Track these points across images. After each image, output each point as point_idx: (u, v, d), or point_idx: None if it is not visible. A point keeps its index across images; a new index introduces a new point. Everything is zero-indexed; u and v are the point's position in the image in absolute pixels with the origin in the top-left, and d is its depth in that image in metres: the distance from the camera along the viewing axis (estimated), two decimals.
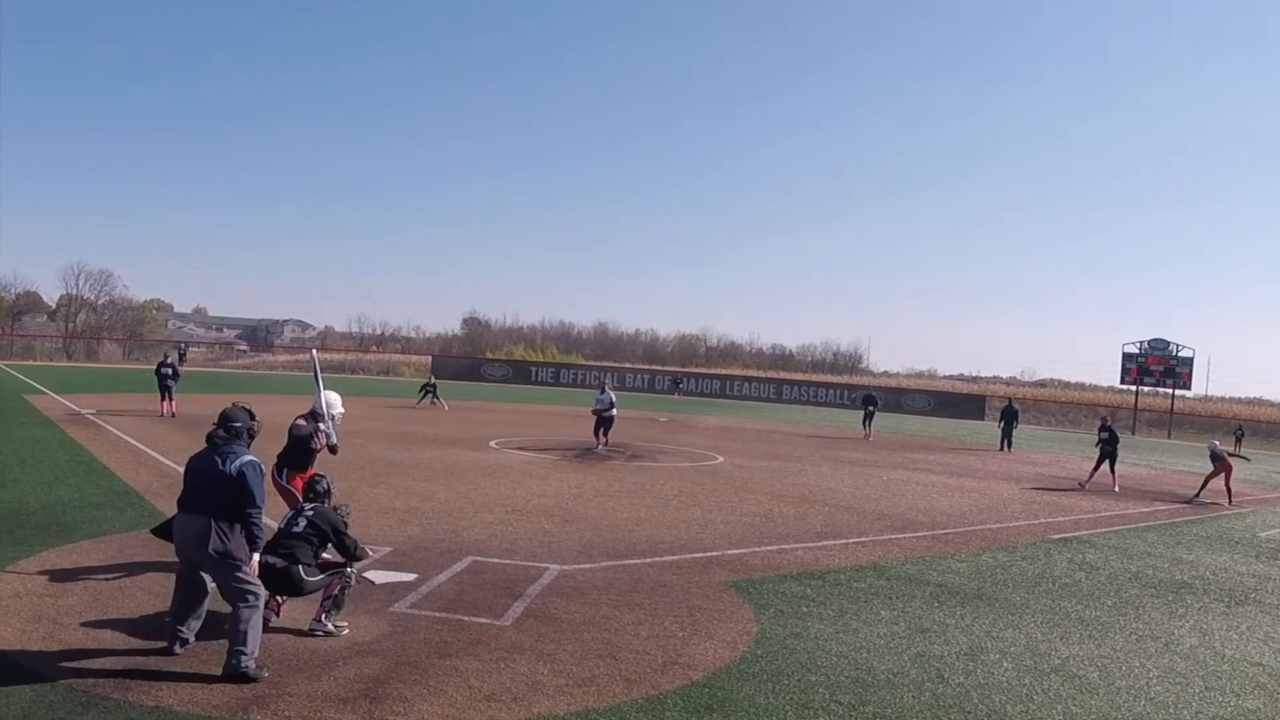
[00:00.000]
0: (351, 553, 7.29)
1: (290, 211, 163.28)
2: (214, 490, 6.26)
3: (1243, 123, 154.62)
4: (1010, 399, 40.82)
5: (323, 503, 7.51)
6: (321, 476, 7.82)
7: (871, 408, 34.69)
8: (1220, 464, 20.74)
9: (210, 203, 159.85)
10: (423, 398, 35.82)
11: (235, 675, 5.96)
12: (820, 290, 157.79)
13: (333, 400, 9.82)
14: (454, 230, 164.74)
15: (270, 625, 7.06)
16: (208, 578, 6.50)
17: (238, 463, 6.33)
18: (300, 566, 6.91)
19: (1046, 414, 67.64)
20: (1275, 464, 36.51)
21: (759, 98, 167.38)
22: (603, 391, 23.16)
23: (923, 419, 54.35)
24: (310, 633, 6.98)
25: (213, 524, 6.19)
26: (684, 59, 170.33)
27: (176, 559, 6.52)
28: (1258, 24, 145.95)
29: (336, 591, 7.13)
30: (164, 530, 6.42)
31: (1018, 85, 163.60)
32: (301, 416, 9.46)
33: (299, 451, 9.29)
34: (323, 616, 7.07)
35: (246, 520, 6.29)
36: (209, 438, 6.52)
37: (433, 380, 38.20)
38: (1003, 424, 33.21)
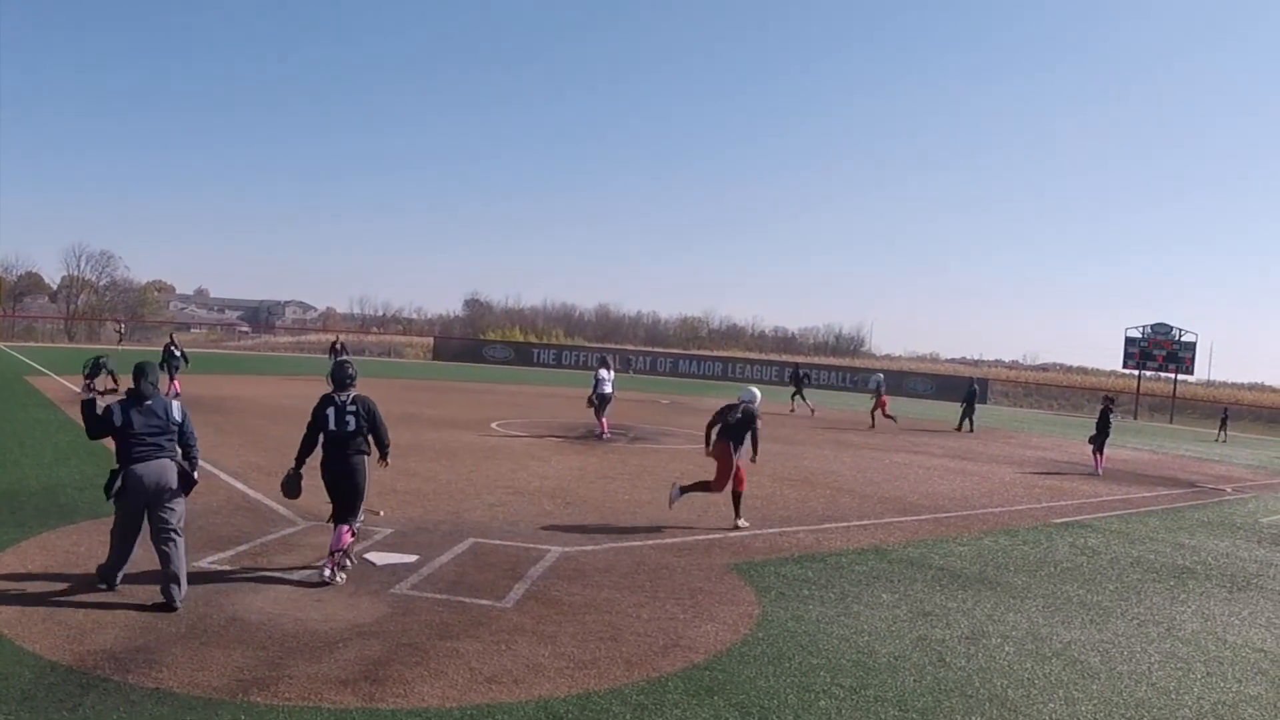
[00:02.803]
0: (384, 440, 8.27)
1: (292, 193, 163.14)
2: (169, 435, 7.21)
3: (1246, 108, 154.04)
4: (972, 378, 39.97)
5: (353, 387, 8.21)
6: (348, 361, 8.48)
7: (800, 383, 34.83)
8: (879, 398, 28.89)
9: (212, 184, 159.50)
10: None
11: (174, 603, 6.86)
12: (823, 273, 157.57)
13: (757, 394, 11.87)
14: (456, 211, 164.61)
15: (334, 583, 7.74)
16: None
17: (175, 408, 7.36)
18: (366, 459, 8.08)
19: (1049, 398, 67.58)
20: (1277, 450, 36.51)
21: (761, 81, 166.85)
22: (608, 369, 21.33)
23: (925, 402, 54.31)
24: (321, 577, 7.73)
25: (174, 463, 7.20)
26: (687, 42, 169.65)
27: (131, 508, 7.12)
28: (1261, 11, 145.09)
29: (348, 543, 7.90)
30: (117, 489, 7.09)
31: (1020, 72, 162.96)
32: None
33: (746, 430, 11.36)
34: (335, 568, 7.81)
35: (191, 453, 7.40)
36: (139, 391, 7.19)
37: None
38: (964, 403, 32.08)
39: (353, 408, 8.01)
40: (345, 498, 8.01)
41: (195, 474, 7.36)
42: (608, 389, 20.89)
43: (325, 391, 8.19)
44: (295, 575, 8.00)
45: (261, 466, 13.75)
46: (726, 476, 11.33)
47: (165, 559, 6.99)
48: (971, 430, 31.22)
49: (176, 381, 24.81)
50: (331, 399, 8.07)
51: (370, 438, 8.18)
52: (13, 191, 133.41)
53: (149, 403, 7.19)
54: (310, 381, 34.55)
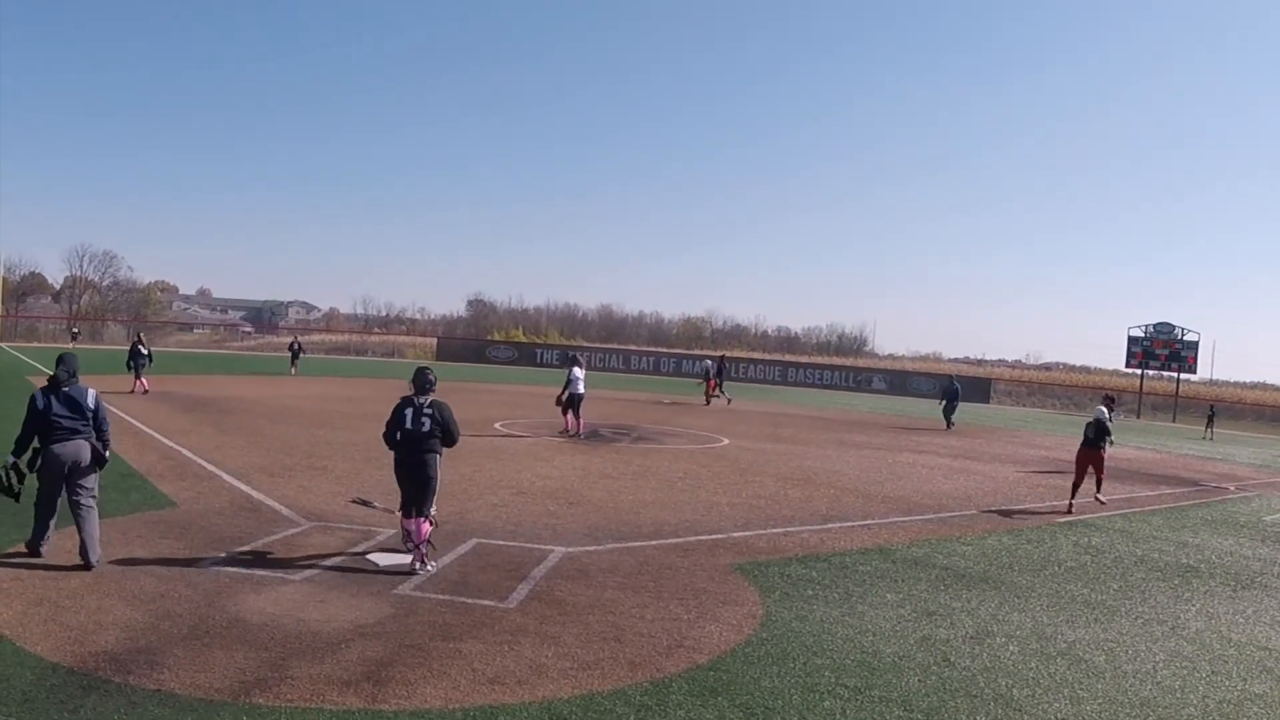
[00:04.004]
0: (454, 438, 8.96)
1: (296, 193, 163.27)
2: (84, 419, 8.05)
3: (1249, 108, 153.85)
4: (952, 375, 39.63)
5: (433, 392, 8.98)
6: (429, 368, 9.20)
7: (720, 375, 36.93)
8: (708, 381, 34.79)
9: (215, 184, 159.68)
10: (294, 359, 42.16)
11: (90, 563, 7.80)
12: (826, 273, 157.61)
13: (1105, 411, 15.33)
14: (459, 212, 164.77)
15: (421, 571, 8.33)
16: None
17: (91, 396, 8.19)
18: (437, 457, 8.82)
19: (1052, 397, 67.53)
20: None
21: (764, 80, 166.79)
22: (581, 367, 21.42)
23: (928, 402, 54.24)
24: (412, 571, 8.32)
25: (88, 443, 8.06)
26: (689, 41, 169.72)
27: (51, 482, 8.00)
28: (1263, 10, 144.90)
29: (428, 532, 8.60)
30: (39, 465, 8.00)
31: (1024, 70, 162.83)
32: None
33: (1101, 436, 14.87)
34: (425, 559, 8.51)
35: (103, 435, 8.24)
36: (56, 379, 8.09)
37: (297, 345, 44.45)
38: (943, 402, 31.76)
39: (429, 411, 8.81)
40: (420, 490, 8.73)
41: (106, 454, 8.34)
42: (580, 388, 20.93)
43: (405, 394, 8.97)
44: (303, 574, 8.01)
45: (264, 467, 13.74)
46: (1084, 471, 15.16)
47: (80, 523, 7.96)
48: (948, 427, 30.89)
49: (144, 379, 25.24)
50: (411, 401, 8.87)
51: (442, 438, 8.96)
52: (16, 192, 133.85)
53: (66, 390, 8.05)
54: (314, 383, 34.56)
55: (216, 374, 36.93)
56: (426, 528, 8.59)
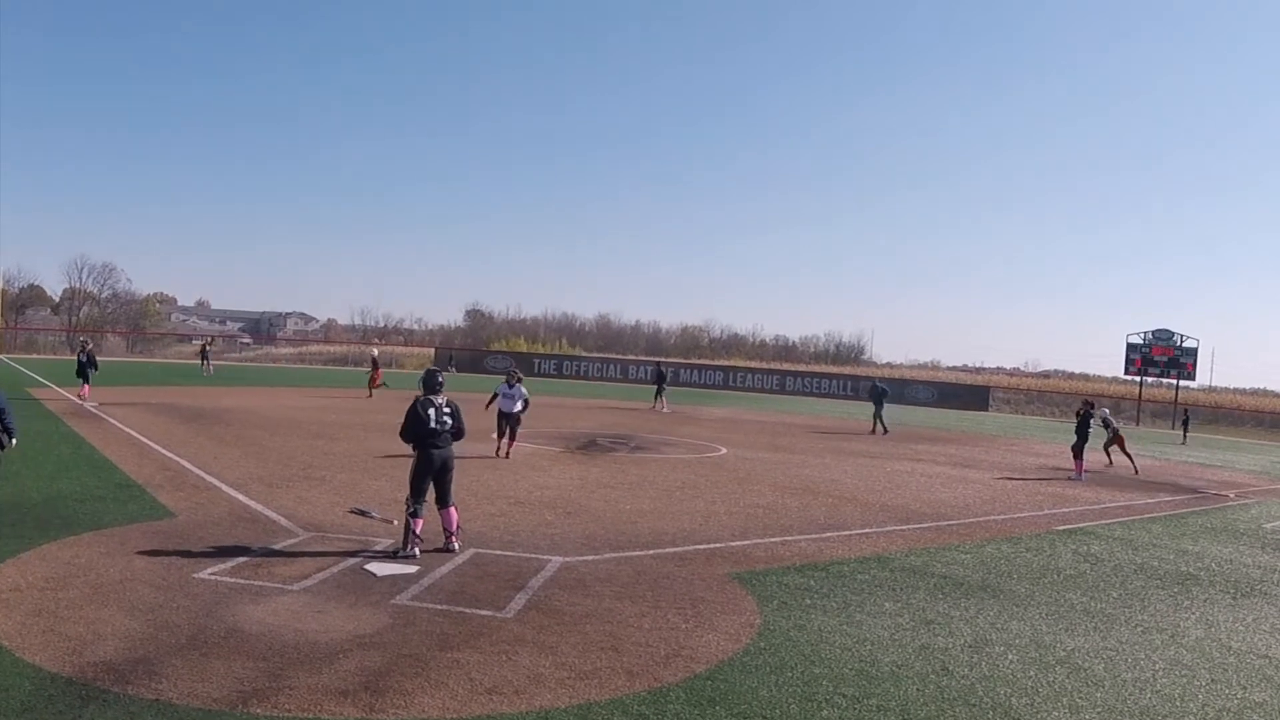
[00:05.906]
0: (463, 432, 9.84)
1: (294, 204, 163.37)
2: None
3: (1247, 114, 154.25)
4: (875, 379, 39.57)
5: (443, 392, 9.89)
6: (438, 370, 10.16)
7: (661, 382, 37.01)
8: (660, 383, 35.93)
9: (214, 196, 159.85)
10: (204, 363, 46.01)
11: None
12: (823, 281, 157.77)
13: (1106, 411, 23.82)
14: (457, 222, 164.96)
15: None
16: None
17: None
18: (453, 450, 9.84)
19: (1051, 405, 67.50)
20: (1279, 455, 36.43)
21: (761, 90, 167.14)
22: (511, 385, 18.73)
23: (926, 410, 54.27)
24: (451, 550, 9.49)
25: None
26: (686, 51, 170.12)
27: None
28: (1264, 19, 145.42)
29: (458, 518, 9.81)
30: None
31: (1021, 79, 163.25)
32: None
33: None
34: (457, 540, 9.67)
35: (5, 421, 9.47)
36: None
37: (207, 349, 48.25)
38: (872, 402, 31.56)
39: (448, 409, 9.71)
40: (448, 481, 9.70)
41: (13, 440, 9.62)
42: (515, 406, 18.61)
43: (418, 396, 9.80)
44: (302, 584, 8.00)
45: (262, 477, 13.74)
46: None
47: None
48: (882, 432, 30.24)
49: (87, 387, 26.01)
50: (430, 402, 9.64)
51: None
52: (15, 204, 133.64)
53: None
54: (311, 393, 34.56)
55: (214, 385, 36.90)
56: (457, 514, 9.73)
